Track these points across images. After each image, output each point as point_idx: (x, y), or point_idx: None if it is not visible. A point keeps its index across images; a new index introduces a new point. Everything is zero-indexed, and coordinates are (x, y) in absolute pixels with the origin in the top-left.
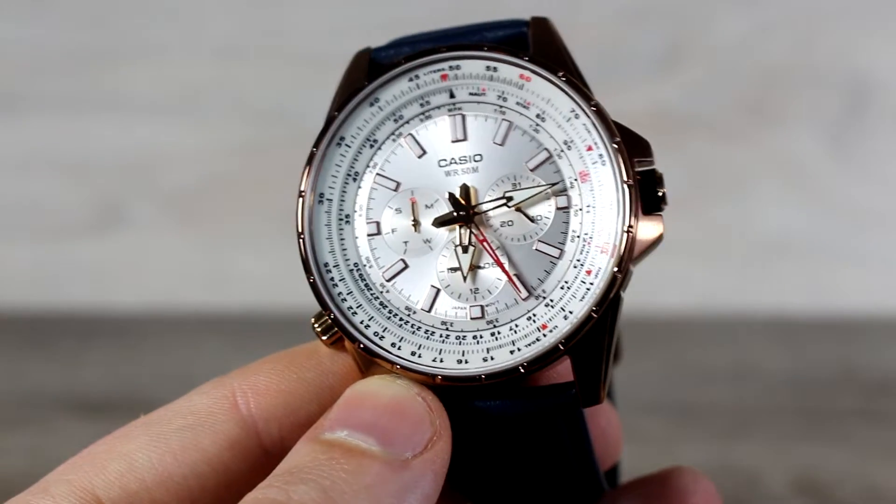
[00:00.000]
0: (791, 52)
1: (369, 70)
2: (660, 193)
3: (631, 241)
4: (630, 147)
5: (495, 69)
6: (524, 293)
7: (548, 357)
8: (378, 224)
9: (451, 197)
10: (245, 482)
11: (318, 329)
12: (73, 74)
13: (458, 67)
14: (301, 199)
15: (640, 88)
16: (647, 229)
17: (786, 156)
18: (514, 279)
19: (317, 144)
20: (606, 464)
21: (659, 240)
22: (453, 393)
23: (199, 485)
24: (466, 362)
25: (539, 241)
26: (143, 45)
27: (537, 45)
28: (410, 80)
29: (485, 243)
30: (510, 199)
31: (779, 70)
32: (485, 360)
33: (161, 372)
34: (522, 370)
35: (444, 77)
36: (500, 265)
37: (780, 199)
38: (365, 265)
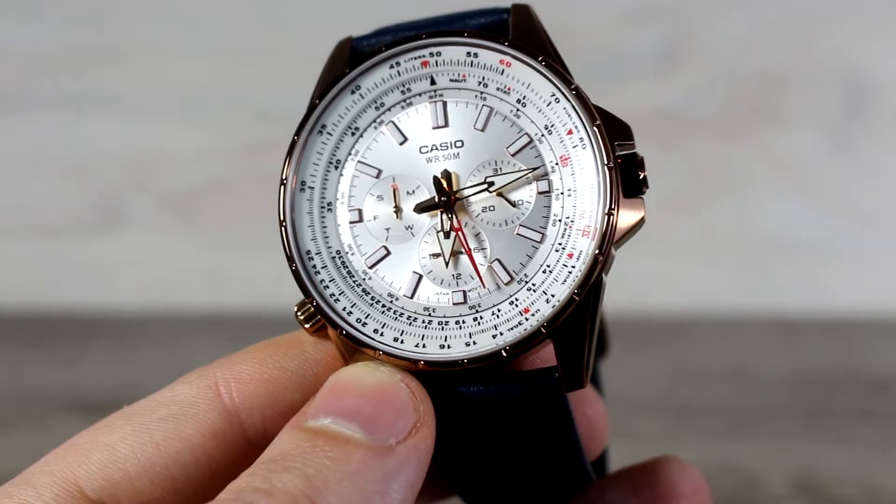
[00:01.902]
0: (791, 52)
1: (351, 58)
2: (641, 176)
3: (612, 224)
4: (611, 130)
5: (476, 55)
6: (505, 278)
7: (530, 341)
8: (360, 211)
9: (436, 180)
10: (228, 472)
11: (301, 317)
12: (73, 74)
13: (438, 54)
14: (283, 188)
15: (640, 88)
16: (629, 212)
17: (786, 156)
18: (481, 272)
19: (298, 132)
20: (594, 452)
21: (641, 223)
22: (436, 378)
23: (181, 474)
24: (449, 347)
25: (521, 225)
26: (143, 45)
27: (517, 31)
28: (391, 66)
29: (460, 232)
30: (491, 184)
31: (779, 70)
32: (467, 344)
33: (161, 372)
34: (504, 354)
35: (424, 64)
36: (471, 257)
37: (780, 199)
38: (347, 252)
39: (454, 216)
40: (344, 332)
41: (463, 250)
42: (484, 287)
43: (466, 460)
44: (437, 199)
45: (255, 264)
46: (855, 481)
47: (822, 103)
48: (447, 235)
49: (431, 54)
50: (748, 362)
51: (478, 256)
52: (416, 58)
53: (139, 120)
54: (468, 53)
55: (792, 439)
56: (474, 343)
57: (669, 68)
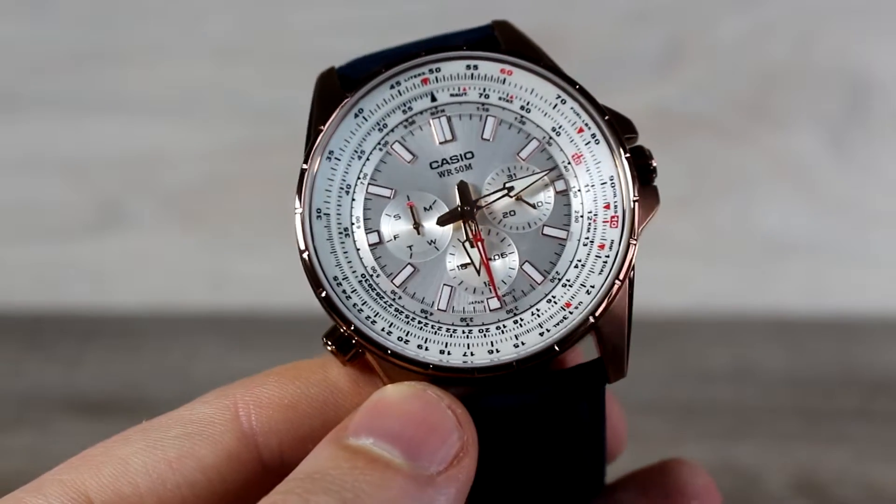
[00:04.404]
0: (791, 52)
1: (342, 85)
2: (651, 166)
3: (640, 211)
4: (617, 124)
5: (476, 67)
6: (539, 278)
7: (579, 332)
8: (379, 233)
9: (461, 187)
10: (240, 494)
11: (333, 347)
12: (73, 74)
13: (438, 70)
14: (298, 217)
15: (640, 88)
16: (646, 200)
17: (786, 156)
18: (495, 284)
19: (306, 160)
20: (610, 458)
21: (656, 210)
22: (480, 386)
23: (192, 494)
24: (498, 352)
25: (545, 225)
26: (143, 45)
27: (508, 42)
28: (392, 87)
29: (480, 242)
30: (511, 189)
31: (779, 70)
32: (515, 346)
33: (161, 372)
34: (557, 349)
35: (425, 81)
36: (488, 269)
37: (781, 199)
38: (372, 275)
39: (476, 225)
40: (391, 352)
41: (494, 255)
42: (497, 299)
43: (486, 472)
44: (459, 209)
45: (255, 264)
46: (855, 481)
47: (822, 103)
48: (473, 244)
49: (431, 71)
50: (748, 362)
51: (507, 261)
52: (415, 76)
53: (139, 120)
54: (468, 66)
55: (792, 439)
56: (522, 344)
57: (669, 68)
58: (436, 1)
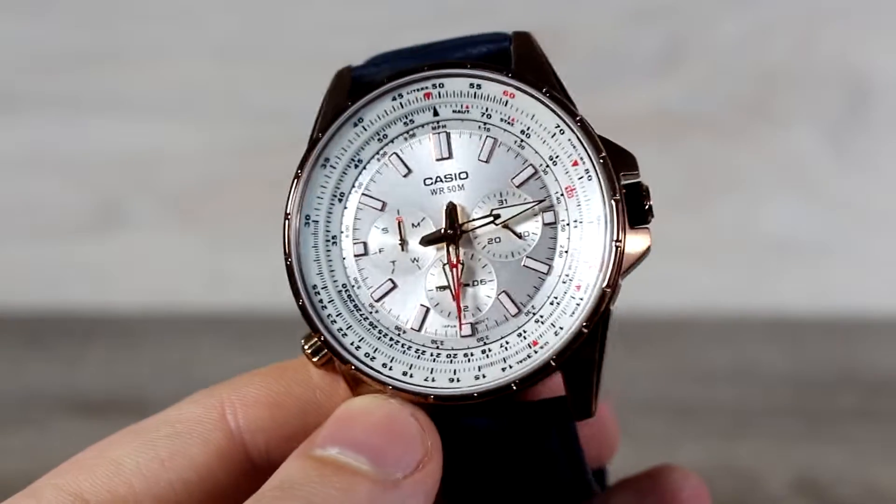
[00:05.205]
0: (791, 52)
1: (351, 89)
2: (647, 206)
3: (619, 256)
4: (615, 161)
5: (479, 86)
6: (513, 310)
7: (539, 374)
8: (365, 244)
9: (448, 210)
10: (231, 492)
11: (308, 350)
12: (73, 74)
13: (441, 85)
14: (287, 222)
15: (640, 88)
16: (635, 242)
17: (786, 155)
18: (461, 313)
19: (301, 166)
20: (602, 459)
21: (647, 252)
22: (444, 410)
23: (185, 491)
24: (458, 381)
25: (527, 257)
26: (143, 45)
27: (520, 60)
28: (394, 98)
29: (454, 269)
30: (498, 216)
31: (779, 70)
32: (476, 378)
33: (161, 372)
34: (515, 387)
35: (427, 95)
36: (457, 298)
37: (781, 199)
38: (353, 286)
39: (457, 250)
40: (353, 367)
41: (472, 281)
42: (461, 330)
43: (471, 487)
44: (443, 232)
45: (255, 264)
46: (855, 481)
47: (822, 103)
48: (453, 268)
49: (434, 86)
50: (748, 362)
51: (485, 289)
52: (418, 89)
53: (139, 120)
54: (471, 85)
55: (792, 439)
56: (483, 376)
57: (670, 68)
58: (438, 1)
